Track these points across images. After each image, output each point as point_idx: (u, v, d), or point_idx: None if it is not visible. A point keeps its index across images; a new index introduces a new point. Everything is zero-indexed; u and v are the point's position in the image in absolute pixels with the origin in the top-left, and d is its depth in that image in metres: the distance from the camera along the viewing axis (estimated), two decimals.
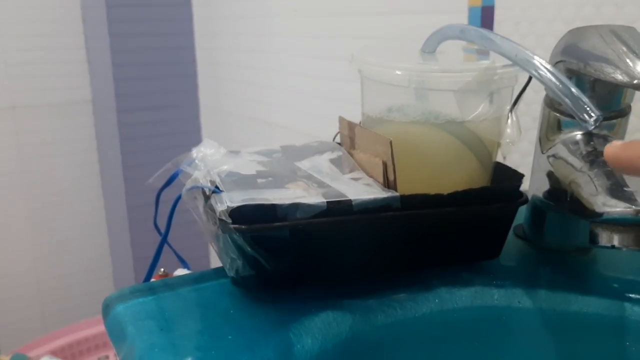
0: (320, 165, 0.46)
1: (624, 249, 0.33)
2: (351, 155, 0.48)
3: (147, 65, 1.50)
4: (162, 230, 0.46)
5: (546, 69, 0.36)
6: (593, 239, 0.34)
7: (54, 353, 1.43)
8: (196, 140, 1.59)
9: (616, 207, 0.31)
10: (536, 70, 0.36)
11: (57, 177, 1.70)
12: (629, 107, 0.42)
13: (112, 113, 1.50)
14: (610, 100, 0.40)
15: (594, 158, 0.36)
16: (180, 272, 0.49)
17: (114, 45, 1.44)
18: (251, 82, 1.32)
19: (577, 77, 0.40)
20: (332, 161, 0.47)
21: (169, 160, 0.46)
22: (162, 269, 0.50)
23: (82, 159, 1.73)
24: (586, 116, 0.34)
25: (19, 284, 1.70)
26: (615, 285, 0.44)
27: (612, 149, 0.29)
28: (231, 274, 0.41)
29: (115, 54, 1.45)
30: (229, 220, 0.37)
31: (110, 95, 1.48)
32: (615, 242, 0.34)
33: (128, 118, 1.50)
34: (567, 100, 0.35)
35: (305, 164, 0.46)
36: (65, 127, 1.68)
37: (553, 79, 0.35)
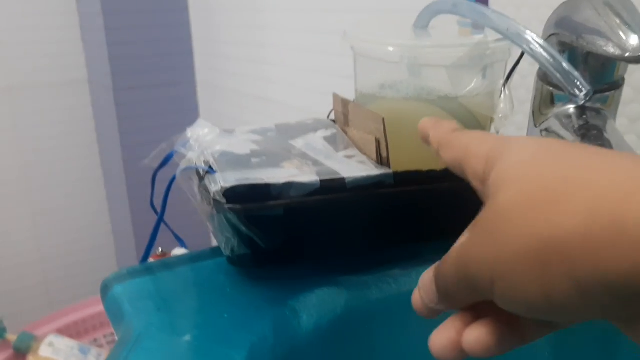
0: (315, 143, 0.47)
1: None
2: (345, 132, 0.48)
3: (143, 43, 1.48)
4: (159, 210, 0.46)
5: (537, 43, 0.35)
6: None
7: (59, 331, 1.45)
8: (194, 118, 1.58)
9: None
10: (527, 45, 0.36)
11: (56, 157, 1.70)
12: (623, 79, 0.42)
13: (108, 92, 1.50)
14: (603, 73, 0.40)
15: (586, 132, 0.36)
16: (178, 251, 0.49)
17: (108, 23, 1.43)
18: (247, 58, 1.31)
19: (570, 50, 0.40)
20: (326, 139, 0.47)
21: (167, 139, 0.46)
22: (160, 249, 0.50)
23: (80, 139, 1.72)
24: (576, 90, 0.34)
25: (22, 264, 1.72)
26: None
27: (423, 123, 0.30)
28: (227, 252, 0.41)
29: (110, 32, 1.43)
30: (223, 201, 0.37)
31: (107, 73, 1.48)
32: None
33: (125, 97, 1.49)
34: (558, 74, 0.35)
35: (299, 142, 0.47)
36: (62, 107, 1.68)
37: (544, 53, 0.35)
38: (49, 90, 1.65)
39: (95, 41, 1.53)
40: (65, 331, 1.46)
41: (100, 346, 1.48)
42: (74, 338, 1.44)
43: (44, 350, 1.36)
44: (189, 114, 1.56)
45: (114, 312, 0.39)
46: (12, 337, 1.39)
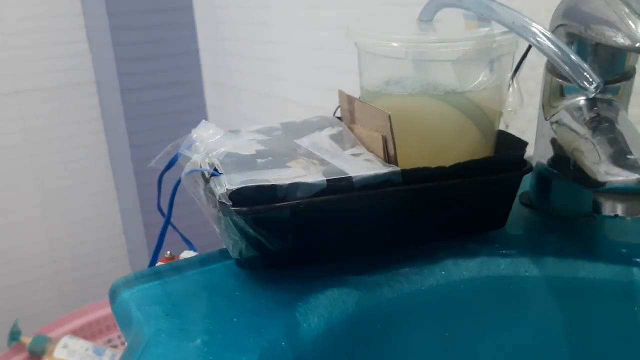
0: (321, 142, 0.46)
1: (628, 219, 0.32)
2: (352, 130, 0.47)
3: (149, 44, 1.48)
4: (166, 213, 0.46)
5: (545, 36, 0.35)
6: (597, 209, 0.34)
7: (74, 333, 1.46)
8: (202, 117, 1.59)
9: (619, 177, 0.30)
10: (534, 38, 0.35)
11: (66, 159, 1.71)
12: (634, 69, 0.41)
13: (116, 93, 1.50)
14: (613, 64, 0.39)
15: (597, 124, 0.36)
16: (187, 254, 0.49)
17: (113, 24, 1.43)
18: (255, 55, 1.30)
19: (578, 41, 0.39)
20: (333, 137, 0.47)
21: (176, 138, 0.46)
22: (169, 252, 0.50)
23: (89, 141, 1.73)
24: (586, 83, 0.33)
25: (35, 267, 1.73)
26: (624, 250, 0.43)
27: None
28: (235, 255, 0.41)
29: (115, 33, 1.43)
30: (230, 203, 0.37)
31: (114, 75, 1.48)
32: (619, 212, 0.33)
33: (133, 98, 1.49)
34: (566, 67, 0.34)
35: (305, 142, 0.46)
36: (71, 110, 1.68)
37: (552, 46, 0.34)
38: (57, 92, 1.65)
39: (101, 43, 1.54)
40: (80, 333, 1.47)
41: (115, 347, 1.49)
42: (88, 339, 1.45)
43: (59, 352, 1.37)
44: (197, 113, 1.56)
45: (123, 318, 0.39)
46: (27, 340, 1.40)
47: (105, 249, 1.82)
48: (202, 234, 0.71)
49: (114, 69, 1.46)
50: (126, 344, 0.35)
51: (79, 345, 1.39)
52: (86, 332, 1.48)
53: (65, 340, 1.39)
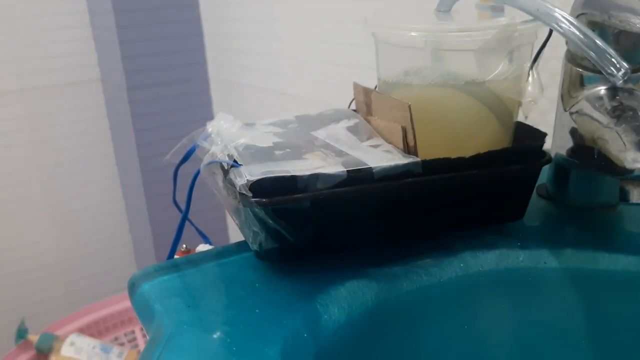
0: (337, 133, 0.46)
1: None
2: (368, 122, 0.47)
3: (154, 41, 1.48)
4: (181, 206, 0.46)
5: (569, 21, 0.34)
6: (624, 196, 0.33)
7: (81, 330, 1.46)
8: (207, 115, 1.58)
9: None
10: (558, 24, 0.35)
11: (72, 158, 1.71)
12: None
13: (122, 91, 1.50)
14: (635, 52, 0.39)
15: (621, 113, 0.35)
16: (202, 247, 0.49)
17: (119, 21, 1.42)
18: (260, 52, 1.30)
19: (600, 29, 0.39)
20: (349, 129, 0.47)
21: (182, 136, 0.45)
22: (185, 246, 0.49)
23: (95, 139, 1.73)
24: (614, 70, 0.33)
25: (41, 265, 1.73)
26: None
27: None
28: (254, 247, 0.41)
29: (121, 30, 1.43)
30: (250, 194, 0.37)
31: (119, 72, 1.47)
32: None
33: (138, 95, 1.49)
34: (592, 53, 0.34)
35: (321, 133, 0.46)
36: (76, 107, 1.68)
37: (577, 32, 0.34)
38: (62, 90, 1.65)
39: (106, 40, 1.53)
40: (86, 330, 1.47)
41: (122, 344, 1.48)
42: (95, 337, 1.45)
43: (65, 350, 1.36)
44: (203, 110, 1.56)
45: (144, 311, 0.38)
46: (33, 337, 1.40)
47: (111, 247, 1.82)
48: (214, 229, 0.71)
49: (120, 66, 1.45)
50: (132, 342, 0.35)
51: (86, 342, 1.39)
52: (93, 330, 1.48)
53: (72, 337, 1.39)
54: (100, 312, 1.52)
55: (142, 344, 1.49)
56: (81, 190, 1.74)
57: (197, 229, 0.48)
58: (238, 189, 0.37)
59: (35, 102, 1.63)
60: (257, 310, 0.36)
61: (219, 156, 0.41)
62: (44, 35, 1.60)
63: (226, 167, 0.40)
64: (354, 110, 0.51)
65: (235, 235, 1.49)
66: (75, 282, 1.79)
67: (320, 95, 1.12)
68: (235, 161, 0.39)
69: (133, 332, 1.52)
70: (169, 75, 1.52)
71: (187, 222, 0.47)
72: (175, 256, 0.46)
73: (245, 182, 0.37)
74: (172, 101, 1.53)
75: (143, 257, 1.77)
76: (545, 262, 0.43)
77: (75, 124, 1.69)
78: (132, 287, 0.40)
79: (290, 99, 1.23)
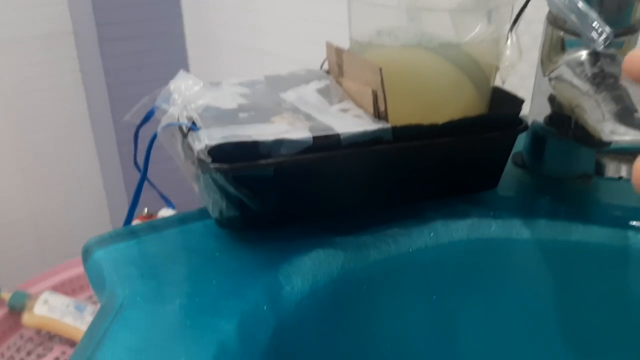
0: (307, 95, 0.44)
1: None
2: (340, 84, 0.45)
3: None
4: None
5: None
6: (599, 170, 0.32)
7: (54, 288, 1.44)
8: (184, 70, 1.52)
9: (625, 136, 0.28)
10: None
11: (44, 113, 1.66)
12: (639, 23, 0.38)
13: (94, 44, 1.45)
14: (619, 16, 0.37)
15: (601, 80, 0.33)
16: (165, 212, 0.47)
17: None
18: (237, 7, 1.25)
19: None
20: (320, 91, 0.44)
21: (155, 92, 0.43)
22: (146, 210, 0.47)
23: (67, 93, 1.67)
24: (595, 34, 0.31)
25: (14, 222, 1.70)
26: (618, 213, 0.42)
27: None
28: (215, 215, 0.39)
29: None
30: (209, 160, 0.35)
31: (91, 25, 1.42)
32: (624, 173, 0.31)
33: (111, 49, 1.44)
34: (572, 16, 0.31)
35: (290, 95, 0.44)
36: (47, 61, 1.62)
37: None
38: (32, 43, 1.59)
39: None
40: (60, 288, 1.45)
41: (95, 303, 1.47)
42: (69, 295, 1.44)
43: (39, 308, 1.35)
44: (178, 66, 1.51)
45: (96, 278, 0.37)
46: (6, 295, 1.38)
47: (86, 204, 1.79)
48: (181, 191, 0.69)
49: (92, 18, 1.40)
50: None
51: (60, 301, 1.37)
52: (67, 288, 1.47)
53: (46, 295, 1.37)
54: (74, 270, 1.49)
55: None
56: (54, 146, 1.70)
57: (159, 192, 0.46)
58: (196, 154, 0.35)
59: (5, 54, 1.57)
60: (214, 282, 0.34)
61: (177, 118, 0.39)
62: None
63: (185, 130, 0.38)
64: (327, 72, 0.48)
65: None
66: (49, 239, 1.76)
67: (298, 53, 1.09)
68: (194, 124, 0.37)
69: None
70: (144, 28, 1.47)
71: (149, 186, 0.45)
72: (136, 221, 0.44)
73: (204, 146, 0.35)
74: (147, 56, 1.49)
75: (117, 216, 1.75)
76: (517, 233, 0.42)
77: (46, 78, 1.63)
78: (86, 254, 0.38)
79: (268, 56, 1.19)
